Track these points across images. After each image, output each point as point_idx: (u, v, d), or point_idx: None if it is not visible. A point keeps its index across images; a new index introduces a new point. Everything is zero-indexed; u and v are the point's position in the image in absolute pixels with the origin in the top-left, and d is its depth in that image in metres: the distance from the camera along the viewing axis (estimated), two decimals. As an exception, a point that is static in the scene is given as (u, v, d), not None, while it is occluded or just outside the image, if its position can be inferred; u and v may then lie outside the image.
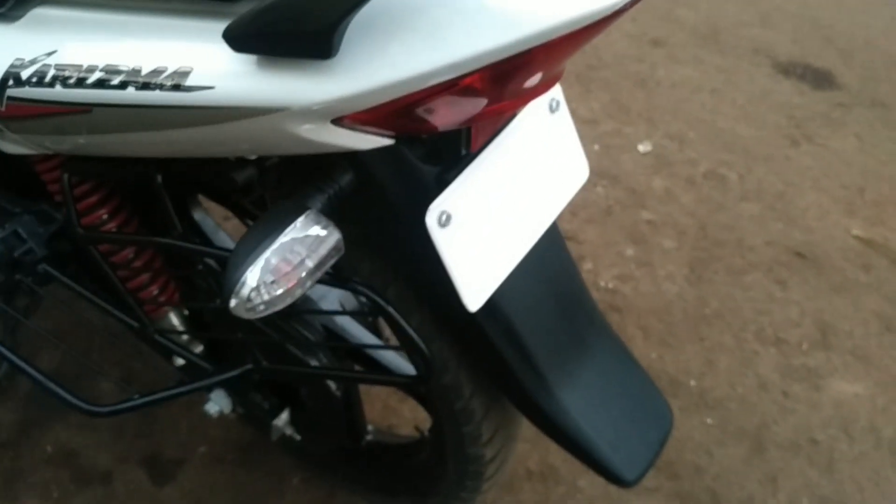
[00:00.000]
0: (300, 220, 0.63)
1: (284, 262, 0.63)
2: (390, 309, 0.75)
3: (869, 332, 1.75)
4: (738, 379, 1.65)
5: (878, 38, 2.71)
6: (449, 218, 0.66)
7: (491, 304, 0.74)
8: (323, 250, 0.64)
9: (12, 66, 0.69)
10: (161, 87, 0.61)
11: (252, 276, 0.62)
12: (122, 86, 0.63)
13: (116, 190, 0.89)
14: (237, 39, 0.55)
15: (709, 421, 1.57)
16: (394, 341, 0.80)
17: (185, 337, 0.99)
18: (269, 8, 0.52)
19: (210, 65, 0.59)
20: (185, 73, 0.60)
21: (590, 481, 1.47)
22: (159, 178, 0.76)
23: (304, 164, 0.71)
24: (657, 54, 2.50)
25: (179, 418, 1.52)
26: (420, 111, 0.57)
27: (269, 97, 0.57)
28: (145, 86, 0.62)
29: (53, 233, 0.98)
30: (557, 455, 1.51)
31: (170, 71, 0.60)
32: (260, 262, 0.62)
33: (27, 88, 0.68)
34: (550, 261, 0.79)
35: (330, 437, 1.07)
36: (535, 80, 0.58)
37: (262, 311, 0.63)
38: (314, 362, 0.93)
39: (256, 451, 1.48)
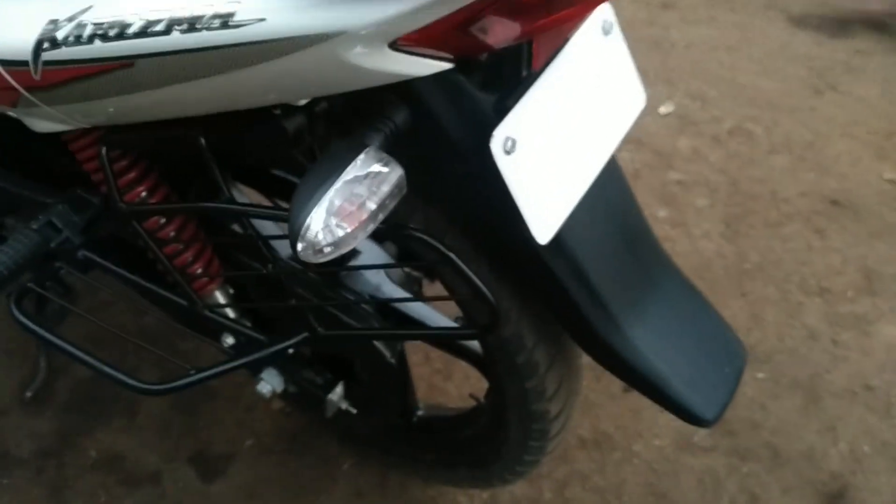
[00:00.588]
0: (360, 157, 0.61)
1: (348, 202, 0.60)
2: (453, 256, 0.72)
3: (914, 274, 1.71)
4: (786, 331, 1.61)
5: (891, -16, 2.66)
6: (514, 144, 0.63)
7: (557, 239, 0.70)
8: (386, 187, 0.61)
9: (46, 29, 0.66)
10: (208, 26, 0.58)
11: (317, 218, 0.59)
12: (167, 30, 0.60)
13: (153, 162, 0.87)
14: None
15: (760, 375, 1.53)
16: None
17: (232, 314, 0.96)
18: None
19: (257, -2, 0.56)
20: (232, 9, 0.57)
21: (644, 445, 1.43)
22: (203, 141, 0.74)
23: (354, 105, 0.68)
24: (669, 16, 2.46)
25: (224, 414, 1.50)
26: (481, 22, 0.54)
27: (325, 22, 0.55)
28: (191, 27, 0.59)
29: (91, 217, 0.96)
30: (609, 422, 1.48)
31: (216, 8, 0.58)
32: (324, 203, 0.59)
33: (64, 49, 0.66)
34: (612, 193, 0.76)
35: (385, 408, 1.04)
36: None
37: (328, 255, 0.60)
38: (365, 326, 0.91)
39: (304, 439, 1.45)
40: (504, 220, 0.69)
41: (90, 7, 0.64)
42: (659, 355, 0.77)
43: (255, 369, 0.99)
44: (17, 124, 0.98)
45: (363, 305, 0.93)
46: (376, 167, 0.61)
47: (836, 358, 1.56)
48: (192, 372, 0.84)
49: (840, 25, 2.43)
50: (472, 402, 1.10)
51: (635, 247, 0.79)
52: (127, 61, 0.63)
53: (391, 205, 0.62)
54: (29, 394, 1.52)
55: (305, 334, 0.85)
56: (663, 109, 2.10)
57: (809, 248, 1.76)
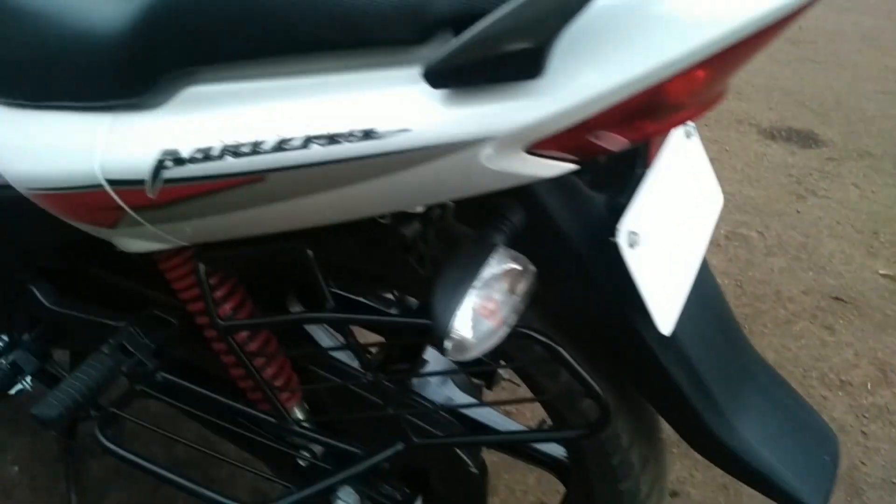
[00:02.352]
0: (494, 256, 0.63)
1: (488, 300, 0.62)
2: (566, 354, 0.73)
3: (924, 364, 1.76)
4: (815, 426, 1.62)
5: (846, 97, 2.88)
6: (636, 238, 0.66)
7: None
8: (523, 285, 0.63)
9: (168, 148, 0.68)
10: (350, 138, 0.61)
11: (463, 316, 0.60)
12: (305, 145, 0.63)
13: (238, 277, 0.87)
14: (441, 75, 0.56)
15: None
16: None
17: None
18: (479, 36, 0.53)
19: (401, 108, 0.60)
20: (376, 121, 0.60)
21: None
22: (310, 253, 0.75)
23: (467, 208, 0.71)
24: (650, 134, 2.60)
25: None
26: (621, 123, 0.58)
27: (472, 128, 0.58)
28: (332, 140, 0.62)
29: (166, 338, 0.95)
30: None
31: (359, 121, 0.61)
32: (468, 302, 0.60)
33: (189, 167, 0.67)
34: (705, 285, 0.79)
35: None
36: (720, 84, 0.60)
37: (473, 353, 0.61)
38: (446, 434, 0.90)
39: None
40: (619, 313, 0.71)
41: (220, 124, 0.66)
42: (765, 446, 0.78)
43: (327, 490, 0.96)
44: (84, 251, 0.99)
45: (442, 413, 0.92)
46: (510, 265, 0.63)
47: (868, 449, 1.57)
48: (294, 489, 0.81)
49: (808, 136, 2.61)
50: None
51: (728, 337, 0.81)
52: (257, 176, 0.65)
53: (527, 299, 0.64)
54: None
55: (399, 445, 0.84)
56: (661, 218, 2.19)
57: (822, 344, 1.80)
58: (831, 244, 2.11)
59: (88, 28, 0.71)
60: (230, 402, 0.89)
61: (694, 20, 0.53)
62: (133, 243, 0.82)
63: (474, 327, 0.60)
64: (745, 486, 0.79)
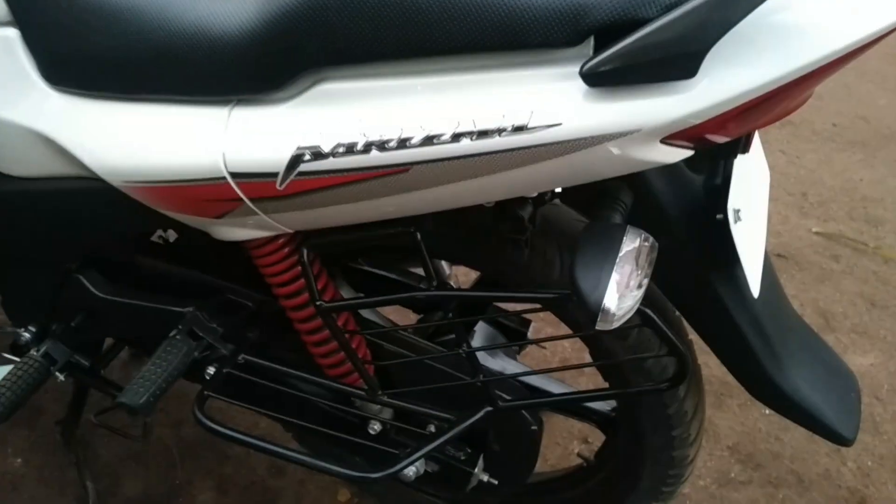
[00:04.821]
0: (627, 234, 0.70)
1: (625, 274, 0.69)
2: (654, 316, 0.82)
3: (859, 311, 1.98)
4: (773, 371, 1.80)
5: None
6: (738, 214, 0.75)
7: (741, 293, 0.83)
8: (651, 257, 0.71)
9: (307, 142, 0.71)
10: (501, 132, 0.67)
11: (610, 295, 0.67)
12: (455, 139, 0.68)
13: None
14: (601, 75, 0.63)
15: (766, 411, 1.70)
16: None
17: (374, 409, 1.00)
18: (645, 41, 0.60)
19: (553, 104, 0.66)
20: (527, 116, 0.66)
21: (692, 486, 1.55)
22: (419, 235, 0.80)
23: (574, 192, 0.78)
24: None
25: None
26: (748, 116, 0.66)
27: (623, 122, 0.64)
28: (482, 135, 0.67)
29: (244, 322, 0.98)
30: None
31: (510, 116, 0.66)
32: (613, 279, 0.68)
33: (331, 160, 0.71)
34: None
35: (520, 475, 1.09)
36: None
37: (616, 324, 0.69)
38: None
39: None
40: (705, 280, 0.81)
41: (362, 119, 0.70)
42: (810, 389, 0.90)
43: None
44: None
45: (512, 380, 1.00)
46: (639, 241, 0.71)
47: (820, 390, 1.77)
48: (404, 453, 0.87)
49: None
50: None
51: (777, 296, 0.93)
52: (402, 168, 0.70)
53: (650, 272, 0.72)
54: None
55: (488, 408, 0.91)
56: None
57: (772, 297, 1.99)
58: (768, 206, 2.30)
59: (211, 21, 0.73)
60: (319, 380, 0.93)
61: (824, 29, 0.61)
62: (234, 232, 0.84)
63: (619, 300, 0.68)
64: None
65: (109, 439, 1.49)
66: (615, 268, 0.68)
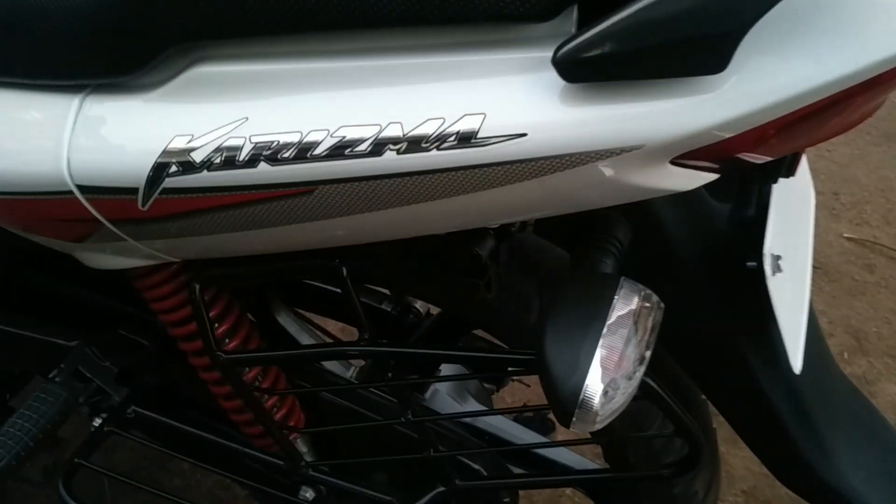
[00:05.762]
0: (621, 291, 0.49)
1: (616, 352, 0.48)
2: (661, 391, 0.61)
3: (894, 330, 1.76)
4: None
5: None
6: (778, 263, 0.54)
7: (776, 363, 0.62)
8: (651, 324, 0.50)
9: (174, 147, 0.51)
10: (440, 142, 0.46)
11: (593, 384, 0.46)
12: (375, 150, 0.47)
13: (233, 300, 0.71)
14: (583, 65, 0.41)
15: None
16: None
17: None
18: (651, 15, 0.39)
19: (514, 106, 0.45)
20: (475, 122, 0.45)
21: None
22: (345, 270, 0.59)
23: (560, 223, 0.57)
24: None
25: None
26: (799, 129, 0.45)
27: (616, 135, 0.44)
28: (414, 145, 0.46)
29: (136, 362, 0.77)
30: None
31: (451, 121, 0.45)
32: (597, 359, 0.47)
33: (205, 174, 0.50)
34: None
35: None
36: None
37: (604, 421, 0.48)
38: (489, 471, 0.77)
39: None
40: (729, 341, 0.60)
41: (245, 118, 0.49)
42: (857, 477, 0.69)
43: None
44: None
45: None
46: (636, 301, 0.50)
47: (849, 422, 1.56)
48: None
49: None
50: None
51: (824, 363, 0.71)
52: (303, 188, 0.49)
53: (653, 345, 0.51)
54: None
55: (440, 488, 0.71)
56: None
57: (797, 312, 1.77)
58: (795, 206, 2.08)
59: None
60: (228, 443, 0.73)
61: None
62: (104, 259, 0.64)
63: (605, 392, 0.47)
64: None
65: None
66: (601, 341, 0.47)
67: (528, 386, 1.35)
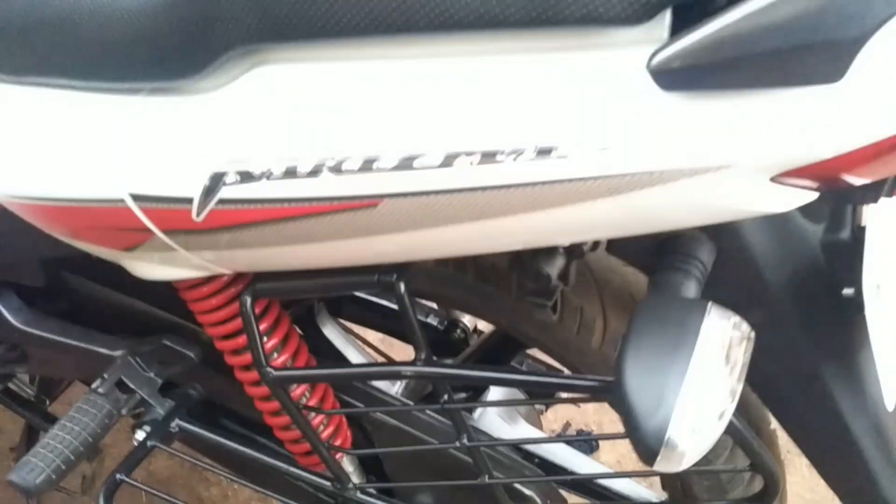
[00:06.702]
0: (708, 317, 0.45)
1: (702, 384, 0.45)
2: (740, 425, 0.57)
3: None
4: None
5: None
6: (880, 288, 0.50)
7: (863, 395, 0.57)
8: (746, 353, 0.47)
9: (229, 156, 0.48)
10: (517, 156, 0.42)
11: (680, 416, 0.43)
12: (446, 162, 0.44)
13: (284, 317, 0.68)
14: (680, 73, 0.38)
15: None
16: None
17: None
18: (755, 18, 0.35)
19: (601, 117, 0.41)
20: (559, 134, 0.42)
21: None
22: (402, 286, 0.56)
23: (637, 241, 0.53)
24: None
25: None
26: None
27: (711, 151, 0.40)
28: (487, 158, 0.43)
29: (179, 373, 0.75)
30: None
31: (532, 132, 0.42)
32: (685, 394, 0.43)
33: (266, 184, 0.48)
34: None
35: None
36: None
37: (691, 461, 0.44)
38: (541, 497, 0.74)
39: None
40: (813, 374, 0.56)
41: (308, 127, 0.47)
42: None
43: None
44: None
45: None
46: (728, 328, 0.46)
47: None
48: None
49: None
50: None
51: None
52: (368, 201, 0.46)
53: (742, 379, 0.47)
54: None
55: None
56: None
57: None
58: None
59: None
60: (273, 461, 0.70)
61: None
62: (153, 269, 0.62)
63: (693, 430, 0.43)
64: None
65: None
66: (688, 373, 0.43)
67: (579, 406, 1.31)
